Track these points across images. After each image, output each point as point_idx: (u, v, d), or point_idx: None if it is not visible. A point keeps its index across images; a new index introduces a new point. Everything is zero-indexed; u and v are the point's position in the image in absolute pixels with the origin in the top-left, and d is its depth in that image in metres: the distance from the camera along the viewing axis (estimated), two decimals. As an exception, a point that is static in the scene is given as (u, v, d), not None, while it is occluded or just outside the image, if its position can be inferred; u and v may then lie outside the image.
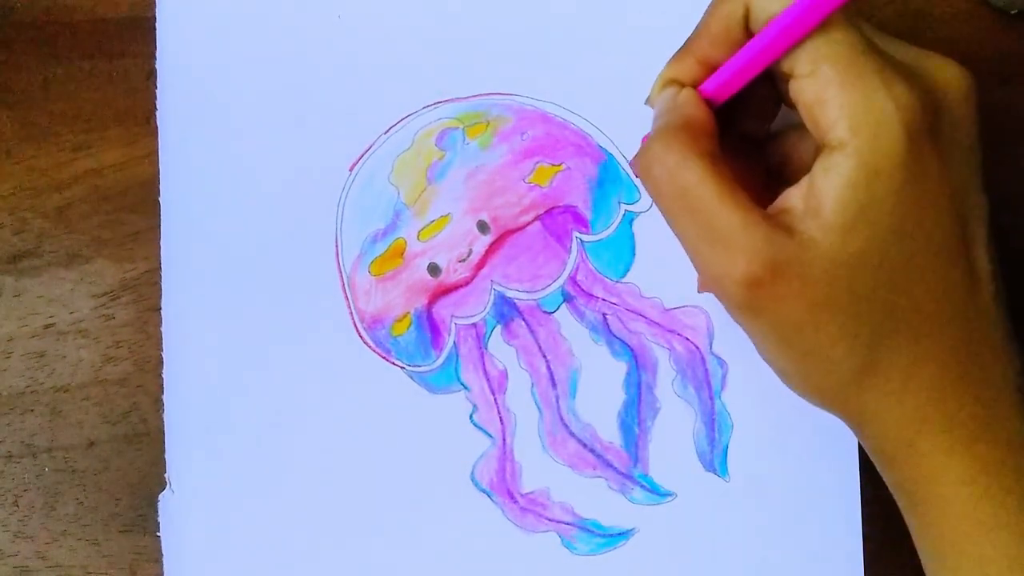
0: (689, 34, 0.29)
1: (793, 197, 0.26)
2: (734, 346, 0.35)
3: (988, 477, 0.26)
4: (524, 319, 0.36)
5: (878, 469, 0.29)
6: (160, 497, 0.35)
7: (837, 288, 0.25)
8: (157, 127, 0.35)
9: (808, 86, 0.26)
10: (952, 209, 0.26)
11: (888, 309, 0.26)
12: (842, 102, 0.25)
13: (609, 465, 0.35)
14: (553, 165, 0.36)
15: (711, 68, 0.28)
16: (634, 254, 0.36)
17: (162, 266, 0.35)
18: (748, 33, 0.27)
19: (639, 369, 0.36)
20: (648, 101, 0.30)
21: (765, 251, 0.25)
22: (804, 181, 0.26)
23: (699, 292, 0.34)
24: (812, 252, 0.25)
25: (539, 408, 0.35)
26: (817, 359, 0.27)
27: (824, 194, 0.25)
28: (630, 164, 0.28)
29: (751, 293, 0.26)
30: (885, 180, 0.25)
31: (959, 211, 0.26)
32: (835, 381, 0.27)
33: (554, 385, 0.36)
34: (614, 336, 0.36)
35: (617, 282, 0.36)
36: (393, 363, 0.35)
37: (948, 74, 0.27)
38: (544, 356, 0.36)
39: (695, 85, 0.29)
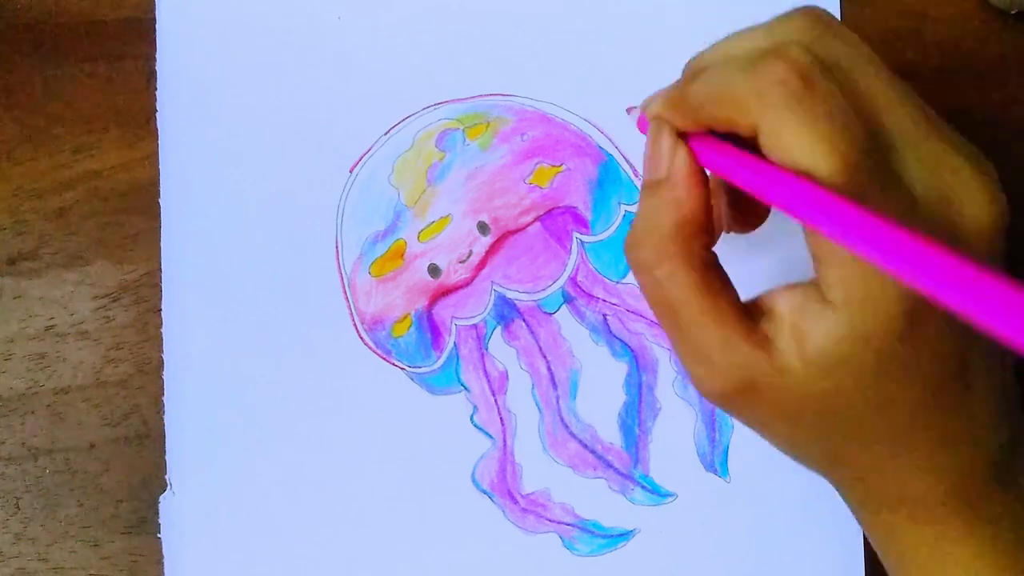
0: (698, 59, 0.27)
1: (783, 303, 0.25)
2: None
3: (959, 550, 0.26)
4: (524, 320, 0.36)
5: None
6: (161, 499, 0.35)
7: (807, 412, 0.25)
8: (157, 129, 0.35)
9: (812, 239, 0.24)
10: (952, 360, 0.25)
11: (868, 431, 0.25)
12: (842, 275, 0.24)
13: (610, 466, 0.35)
14: (553, 166, 0.36)
15: (711, 128, 0.26)
16: (634, 255, 0.36)
17: (162, 268, 0.35)
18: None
19: (640, 370, 0.36)
20: (643, 110, 0.29)
21: (741, 372, 0.25)
22: (798, 294, 0.25)
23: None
24: (788, 379, 0.25)
25: (540, 409, 0.35)
26: (792, 451, 0.27)
27: (810, 335, 0.24)
28: (624, 246, 0.27)
29: (726, 402, 0.26)
30: (875, 344, 0.24)
31: (961, 359, 0.25)
32: (814, 465, 0.27)
33: (555, 386, 0.36)
34: (614, 337, 0.36)
35: (617, 283, 0.36)
36: (393, 364, 0.35)
37: (978, 203, 0.25)
38: (544, 357, 0.36)
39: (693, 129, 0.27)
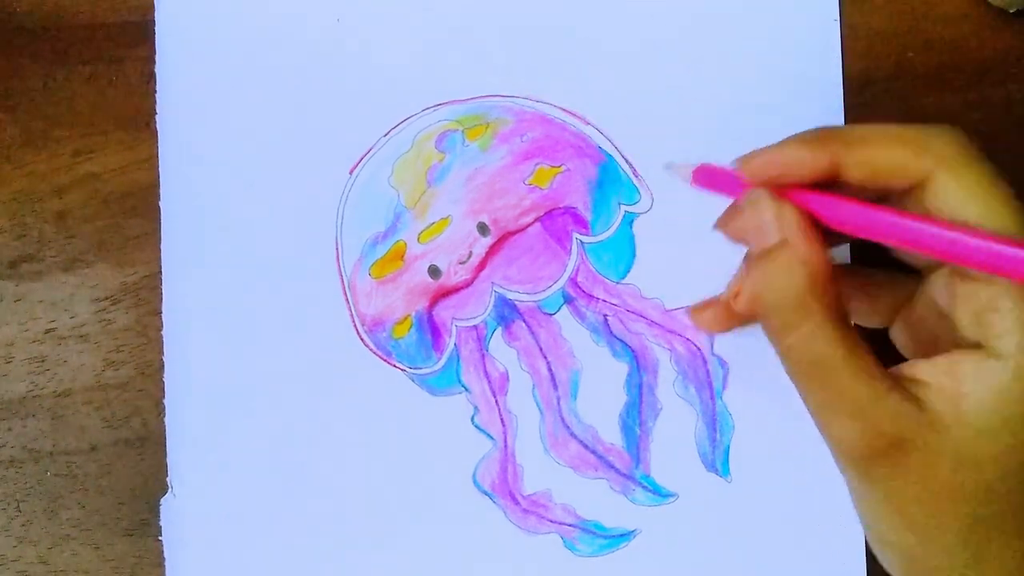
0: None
1: (927, 372, 0.25)
2: (735, 347, 0.35)
3: None
4: (525, 321, 0.36)
5: None
6: (162, 501, 0.35)
7: (962, 480, 0.24)
8: (157, 131, 0.35)
9: (981, 290, 0.24)
10: None
11: (1011, 517, 0.24)
12: (1018, 316, 0.23)
13: (611, 466, 0.35)
14: (553, 167, 0.36)
15: (832, 180, 0.26)
16: (634, 255, 0.36)
17: (162, 270, 0.35)
18: (905, 192, 0.25)
19: (640, 370, 0.36)
20: (742, 167, 0.27)
21: (892, 426, 0.24)
22: (943, 361, 0.24)
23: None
24: (941, 436, 0.24)
25: (540, 410, 0.35)
26: (922, 538, 0.25)
27: (969, 391, 0.24)
28: (740, 301, 0.26)
29: (872, 463, 0.25)
30: None
31: None
32: (935, 566, 0.26)
33: (555, 386, 0.36)
34: (615, 337, 0.36)
35: (618, 283, 0.36)
36: (394, 365, 0.35)
37: None
38: (545, 357, 0.36)
39: (804, 182, 0.26)
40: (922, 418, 0.24)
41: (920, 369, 0.25)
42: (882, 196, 0.26)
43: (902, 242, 0.25)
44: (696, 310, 0.31)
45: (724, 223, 0.28)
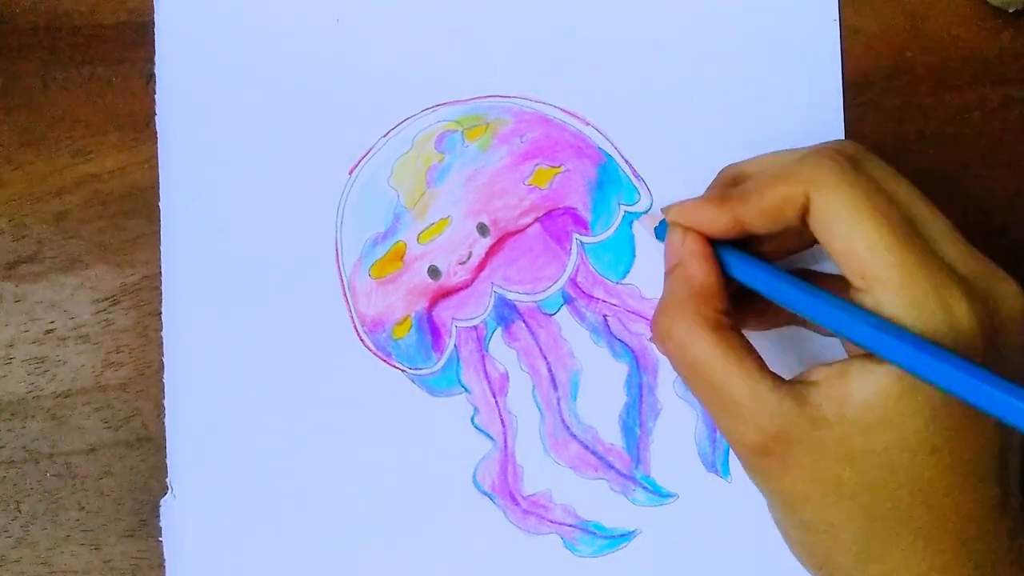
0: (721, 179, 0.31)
1: (821, 374, 0.26)
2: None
3: None
4: (525, 321, 0.36)
5: None
6: (162, 502, 0.35)
7: (849, 475, 0.25)
8: (156, 132, 0.35)
9: (867, 300, 0.25)
10: (991, 429, 0.25)
11: (909, 514, 0.25)
12: (896, 319, 0.25)
13: (611, 467, 0.35)
14: (552, 167, 0.36)
15: (742, 231, 0.29)
16: (634, 255, 0.36)
17: (162, 271, 0.35)
18: (802, 220, 0.27)
19: (640, 370, 0.36)
20: (665, 215, 0.31)
21: (774, 422, 0.25)
22: (837, 364, 0.26)
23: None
24: (824, 433, 0.25)
25: (540, 410, 0.35)
26: (820, 538, 0.26)
27: (856, 390, 0.25)
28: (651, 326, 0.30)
29: (761, 460, 0.26)
30: (922, 397, 0.24)
31: (1001, 434, 0.26)
32: (836, 567, 0.26)
33: (555, 387, 0.36)
34: (615, 337, 0.36)
35: (617, 283, 0.36)
36: (394, 366, 0.35)
37: (1009, 294, 0.26)
38: (545, 358, 0.36)
39: (718, 235, 0.29)
40: (804, 415, 0.25)
41: (816, 371, 0.26)
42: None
43: (782, 301, 0.28)
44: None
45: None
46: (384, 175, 0.36)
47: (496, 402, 0.35)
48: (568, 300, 0.36)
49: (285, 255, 0.35)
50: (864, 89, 0.36)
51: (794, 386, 0.26)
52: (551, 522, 0.35)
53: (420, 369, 0.35)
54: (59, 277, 0.35)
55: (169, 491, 0.35)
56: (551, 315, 0.36)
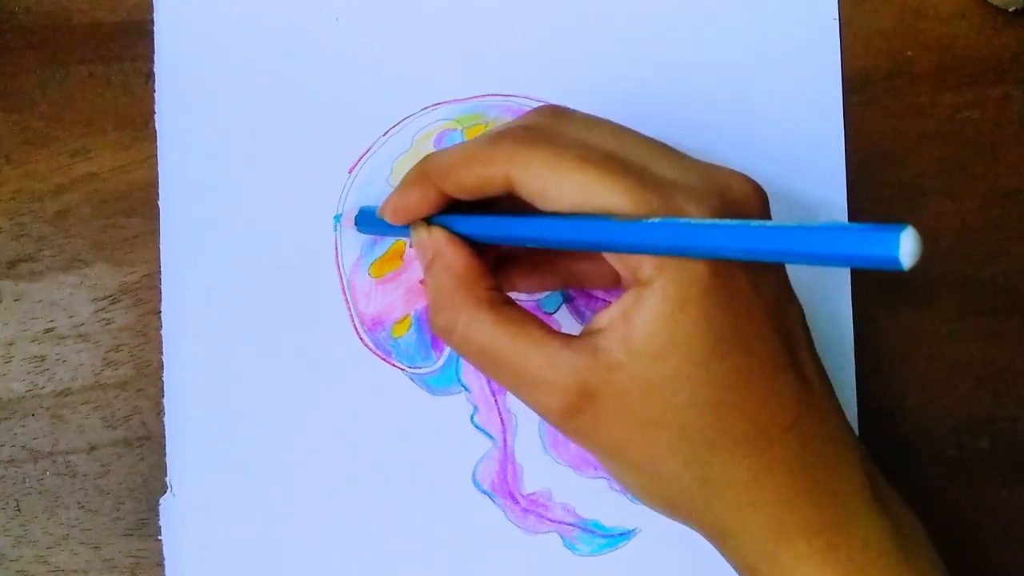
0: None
1: (604, 320, 0.26)
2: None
3: None
4: (524, 320, 0.36)
5: None
6: (161, 501, 0.35)
7: (655, 406, 0.25)
8: (156, 131, 0.35)
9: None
10: (770, 321, 0.26)
11: (720, 424, 0.25)
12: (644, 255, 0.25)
13: (610, 466, 0.35)
14: (552, 166, 0.36)
15: (452, 200, 0.29)
16: (634, 254, 0.36)
17: (161, 270, 0.35)
18: (508, 193, 0.27)
19: (639, 369, 0.36)
20: (380, 214, 0.31)
21: (573, 380, 0.26)
22: (614, 305, 0.26)
23: None
24: (621, 374, 0.25)
25: (540, 409, 0.35)
26: (652, 473, 0.27)
27: (634, 325, 0.25)
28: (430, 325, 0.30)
29: (574, 422, 0.26)
30: (693, 309, 0.24)
31: (778, 322, 0.26)
32: (677, 493, 0.27)
33: (555, 386, 0.35)
34: (614, 337, 0.36)
35: (617, 283, 0.36)
36: (394, 365, 0.35)
37: (746, 189, 0.27)
38: (544, 357, 0.36)
39: (435, 211, 0.29)
40: (599, 363, 0.25)
41: (599, 318, 0.26)
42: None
43: (515, 240, 0.28)
44: None
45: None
46: (384, 174, 0.36)
47: (495, 401, 0.35)
48: (567, 299, 0.36)
49: (285, 254, 0.35)
50: (864, 88, 0.36)
51: (583, 339, 0.26)
52: (551, 521, 0.35)
53: (420, 368, 0.35)
54: (58, 276, 0.35)
55: (168, 490, 0.35)
56: (551, 314, 0.36)
